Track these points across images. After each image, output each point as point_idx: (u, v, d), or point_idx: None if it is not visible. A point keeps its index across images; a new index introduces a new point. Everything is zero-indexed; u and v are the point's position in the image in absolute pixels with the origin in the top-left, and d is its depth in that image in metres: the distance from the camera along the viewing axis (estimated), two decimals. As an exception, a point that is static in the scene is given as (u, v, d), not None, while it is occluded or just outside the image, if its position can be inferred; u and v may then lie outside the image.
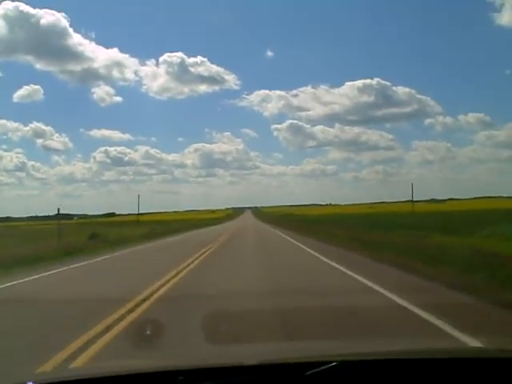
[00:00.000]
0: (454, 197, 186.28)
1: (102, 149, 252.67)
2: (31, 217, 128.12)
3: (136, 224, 53.92)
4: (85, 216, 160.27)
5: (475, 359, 2.02)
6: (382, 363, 1.91)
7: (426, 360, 1.96)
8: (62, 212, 31.81)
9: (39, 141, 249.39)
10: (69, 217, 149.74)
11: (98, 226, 53.80)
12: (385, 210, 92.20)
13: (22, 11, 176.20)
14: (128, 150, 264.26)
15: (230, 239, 29.25)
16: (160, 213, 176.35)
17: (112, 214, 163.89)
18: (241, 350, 3.32)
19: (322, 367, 1.76)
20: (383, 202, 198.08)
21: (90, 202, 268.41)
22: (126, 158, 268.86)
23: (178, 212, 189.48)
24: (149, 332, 6.03)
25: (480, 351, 2.68)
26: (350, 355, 2.11)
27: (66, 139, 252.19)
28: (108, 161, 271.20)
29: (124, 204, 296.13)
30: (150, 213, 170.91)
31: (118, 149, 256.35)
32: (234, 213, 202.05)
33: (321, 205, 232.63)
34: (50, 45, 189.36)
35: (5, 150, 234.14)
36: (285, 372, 1.84)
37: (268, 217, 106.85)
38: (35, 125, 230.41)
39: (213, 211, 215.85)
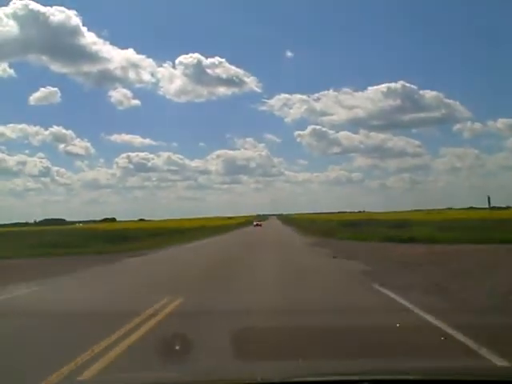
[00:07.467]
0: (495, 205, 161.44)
1: (124, 154, 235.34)
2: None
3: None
4: (90, 222, 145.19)
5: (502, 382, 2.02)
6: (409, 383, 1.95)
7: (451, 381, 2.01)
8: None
9: (61, 146, 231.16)
10: (60, 222, 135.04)
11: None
12: (432, 218, 68.79)
13: (31, 9, 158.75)
14: (150, 156, 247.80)
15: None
16: (173, 220, 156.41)
17: (112, 220, 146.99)
18: (261, 367, 3.27)
19: None
20: (419, 210, 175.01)
21: (115, 208, 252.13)
22: (149, 164, 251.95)
23: (197, 218, 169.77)
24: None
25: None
26: (375, 373, 2.09)
27: (88, 144, 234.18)
28: (131, 166, 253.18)
29: (150, 210, 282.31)
30: (162, 220, 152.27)
31: (141, 154, 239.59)
32: (257, 219, 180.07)
33: (352, 212, 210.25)
34: (64, 44, 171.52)
35: (28, 155, 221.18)
36: None
37: (306, 226, 73.46)
38: (55, 129, 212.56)
39: (230, 217, 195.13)
